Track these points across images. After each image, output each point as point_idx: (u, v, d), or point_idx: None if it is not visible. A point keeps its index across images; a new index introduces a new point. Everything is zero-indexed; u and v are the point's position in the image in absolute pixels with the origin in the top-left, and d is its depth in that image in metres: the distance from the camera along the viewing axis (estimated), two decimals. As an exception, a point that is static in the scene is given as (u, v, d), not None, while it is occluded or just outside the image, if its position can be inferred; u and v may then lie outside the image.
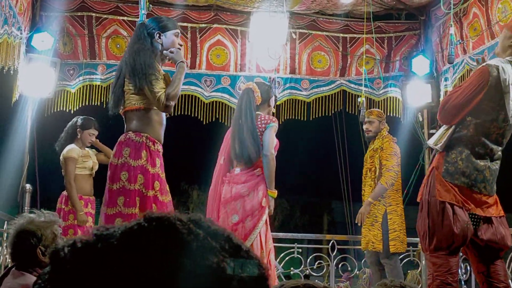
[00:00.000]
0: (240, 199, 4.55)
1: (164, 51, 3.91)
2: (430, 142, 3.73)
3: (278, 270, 6.26)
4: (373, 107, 6.67)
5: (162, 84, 3.74)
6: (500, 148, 3.66)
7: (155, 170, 3.79)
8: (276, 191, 4.63)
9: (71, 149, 5.62)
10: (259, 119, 4.66)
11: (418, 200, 3.77)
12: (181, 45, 3.95)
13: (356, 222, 5.73)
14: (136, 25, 4.14)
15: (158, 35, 3.87)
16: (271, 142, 4.61)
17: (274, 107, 5.03)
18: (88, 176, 5.68)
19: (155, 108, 3.80)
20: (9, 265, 2.97)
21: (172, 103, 3.76)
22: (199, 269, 0.77)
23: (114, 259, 0.78)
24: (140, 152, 3.73)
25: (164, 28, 3.90)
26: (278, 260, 6.27)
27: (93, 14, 6.45)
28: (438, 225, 3.54)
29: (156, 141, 3.84)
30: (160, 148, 3.88)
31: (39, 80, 6.01)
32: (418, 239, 6.34)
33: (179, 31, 3.99)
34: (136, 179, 3.70)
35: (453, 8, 5.79)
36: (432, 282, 3.55)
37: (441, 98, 6.49)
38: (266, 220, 4.57)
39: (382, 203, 5.63)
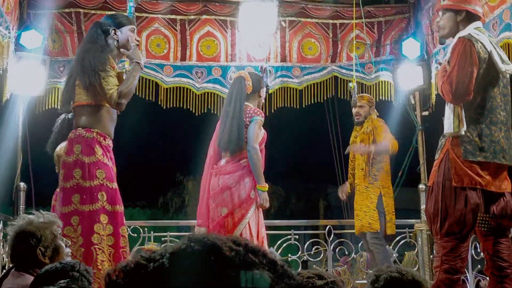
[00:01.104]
0: (227, 191, 4.53)
1: (121, 49, 3.94)
2: (450, 130, 3.57)
3: (275, 257, 6.29)
4: (365, 92, 6.68)
5: (116, 81, 3.76)
6: (509, 108, 3.65)
7: (110, 164, 3.84)
8: (267, 185, 4.56)
9: (65, 146, 5.60)
10: (246, 111, 4.62)
11: (429, 184, 3.74)
12: (138, 41, 4.00)
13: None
14: (90, 25, 4.18)
15: (113, 31, 3.90)
16: (255, 137, 4.54)
17: (264, 98, 5.00)
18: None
19: (105, 104, 3.81)
20: (7, 265, 2.98)
21: (124, 101, 3.79)
22: (245, 280, 0.89)
23: (167, 278, 0.88)
24: (92, 148, 3.75)
25: (119, 25, 3.94)
26: (275, 247, 6.30)
27: (81, 10, 6.40)
28: (451, 209, 3.52)
29: (107, 136, 3.85)
30: (111, 143, 3.90)
31: (29, 78, 5.97)
32: (414, 220, 6.51)
33: (134, 27, 4.04)
34: (92, 176, 3.72)
35: (442, -10, 5.79)
36: (440, 265, 3.55)
37: (433, 80, 6.50)
38: (256, 209, 4.56)
39: (376, 186, 5.77)
